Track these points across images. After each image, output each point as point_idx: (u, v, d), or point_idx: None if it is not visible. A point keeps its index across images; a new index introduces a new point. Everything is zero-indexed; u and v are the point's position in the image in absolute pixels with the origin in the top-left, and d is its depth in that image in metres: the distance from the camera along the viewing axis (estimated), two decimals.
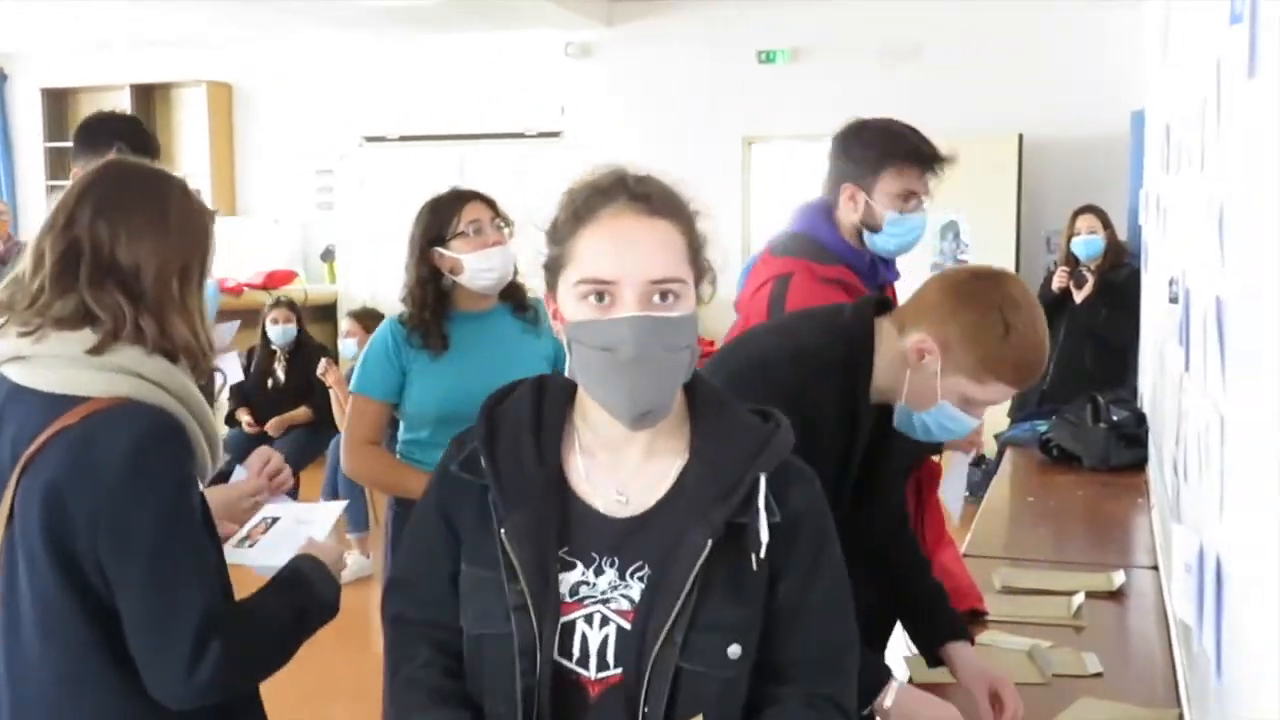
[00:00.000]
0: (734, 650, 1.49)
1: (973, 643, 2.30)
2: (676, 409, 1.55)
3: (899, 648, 2.43)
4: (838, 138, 2.78)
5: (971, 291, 2.01)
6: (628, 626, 1.48)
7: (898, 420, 2.10)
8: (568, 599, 1.50)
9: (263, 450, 2.21)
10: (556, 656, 1.48)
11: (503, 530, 1.51)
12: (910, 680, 2.42)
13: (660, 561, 1.49)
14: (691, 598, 1.46)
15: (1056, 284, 6.02)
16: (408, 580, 1.66)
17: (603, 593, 1.50)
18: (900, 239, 2.70)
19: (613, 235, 1.48)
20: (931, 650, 2.28)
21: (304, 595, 1.87)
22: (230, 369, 2.89)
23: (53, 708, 1.73)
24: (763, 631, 1.52)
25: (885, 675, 2.06)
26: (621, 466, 1.56)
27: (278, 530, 2.06)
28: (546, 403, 1.59)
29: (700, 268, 1.54)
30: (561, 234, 1.53)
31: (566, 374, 1.57)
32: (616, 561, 1.52)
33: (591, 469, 1.56)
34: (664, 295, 1.46)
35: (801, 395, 1.97)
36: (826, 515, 1.60)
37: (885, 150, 2.70)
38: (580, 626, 1.49)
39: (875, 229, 2.70)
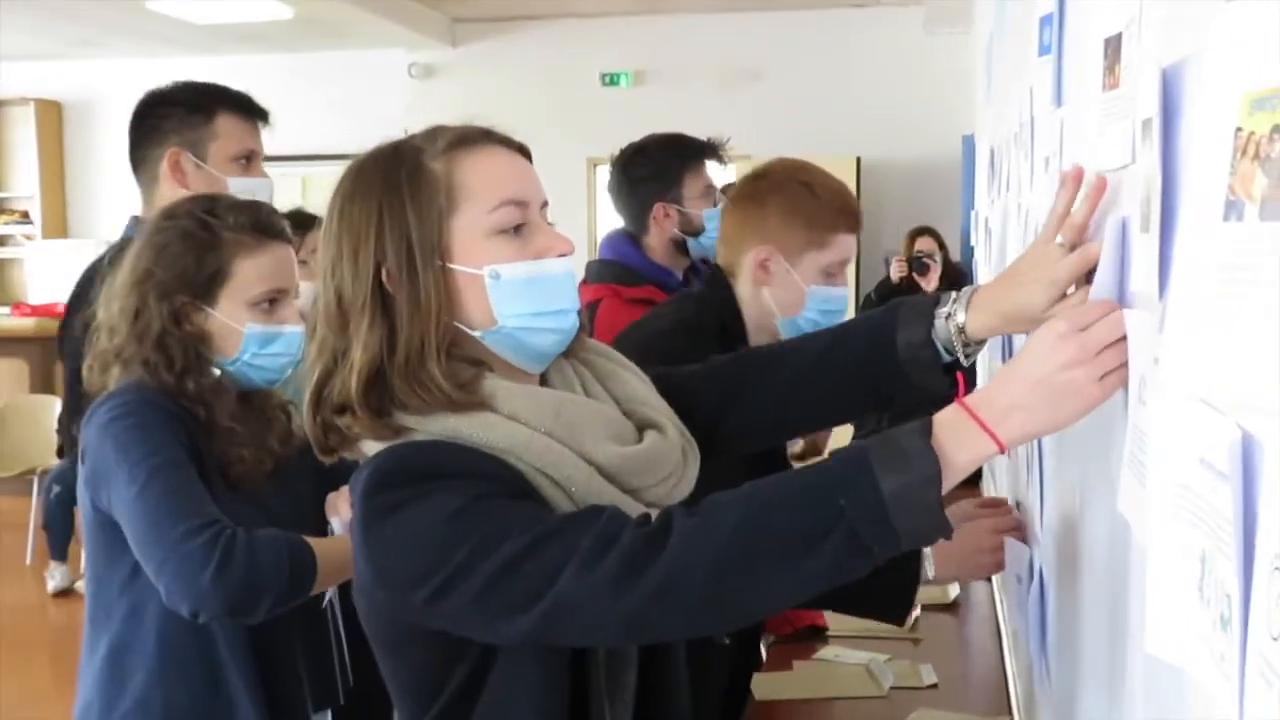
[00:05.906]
0: None
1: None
2: None
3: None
4: (618, 169, 2.87)
5: (759, 188, 2.08)
6: None
7: (788, 338, 2.07)
8: None
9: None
10: None
11: None
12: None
13: None
14: None
15: (895, 274, 6.09)
16: None
17: None
18: None
19: None
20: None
21: None
22: None
23: None
24: None
25: None
26: None
27: None
28: None
29: None
30: None
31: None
32: None
33: None
34: None
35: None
36: None
37: (678, 158, 2.82)
38: None
39: (698, 232, 2.78)
